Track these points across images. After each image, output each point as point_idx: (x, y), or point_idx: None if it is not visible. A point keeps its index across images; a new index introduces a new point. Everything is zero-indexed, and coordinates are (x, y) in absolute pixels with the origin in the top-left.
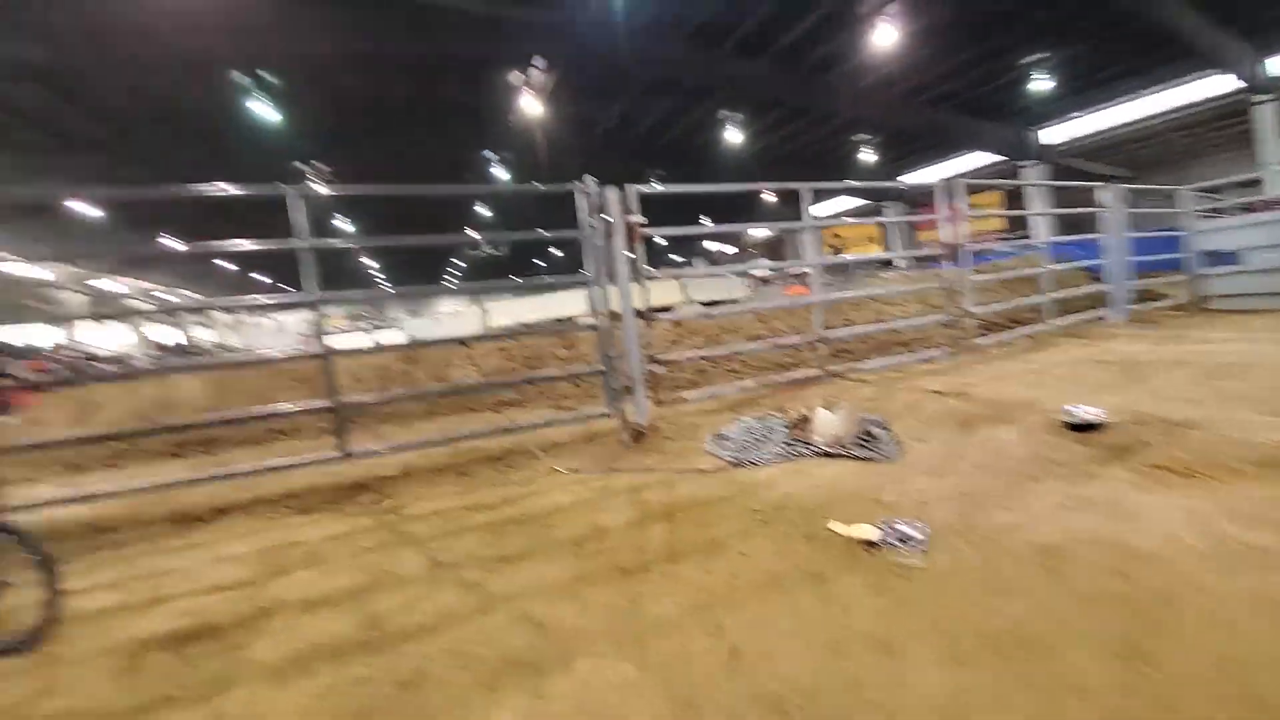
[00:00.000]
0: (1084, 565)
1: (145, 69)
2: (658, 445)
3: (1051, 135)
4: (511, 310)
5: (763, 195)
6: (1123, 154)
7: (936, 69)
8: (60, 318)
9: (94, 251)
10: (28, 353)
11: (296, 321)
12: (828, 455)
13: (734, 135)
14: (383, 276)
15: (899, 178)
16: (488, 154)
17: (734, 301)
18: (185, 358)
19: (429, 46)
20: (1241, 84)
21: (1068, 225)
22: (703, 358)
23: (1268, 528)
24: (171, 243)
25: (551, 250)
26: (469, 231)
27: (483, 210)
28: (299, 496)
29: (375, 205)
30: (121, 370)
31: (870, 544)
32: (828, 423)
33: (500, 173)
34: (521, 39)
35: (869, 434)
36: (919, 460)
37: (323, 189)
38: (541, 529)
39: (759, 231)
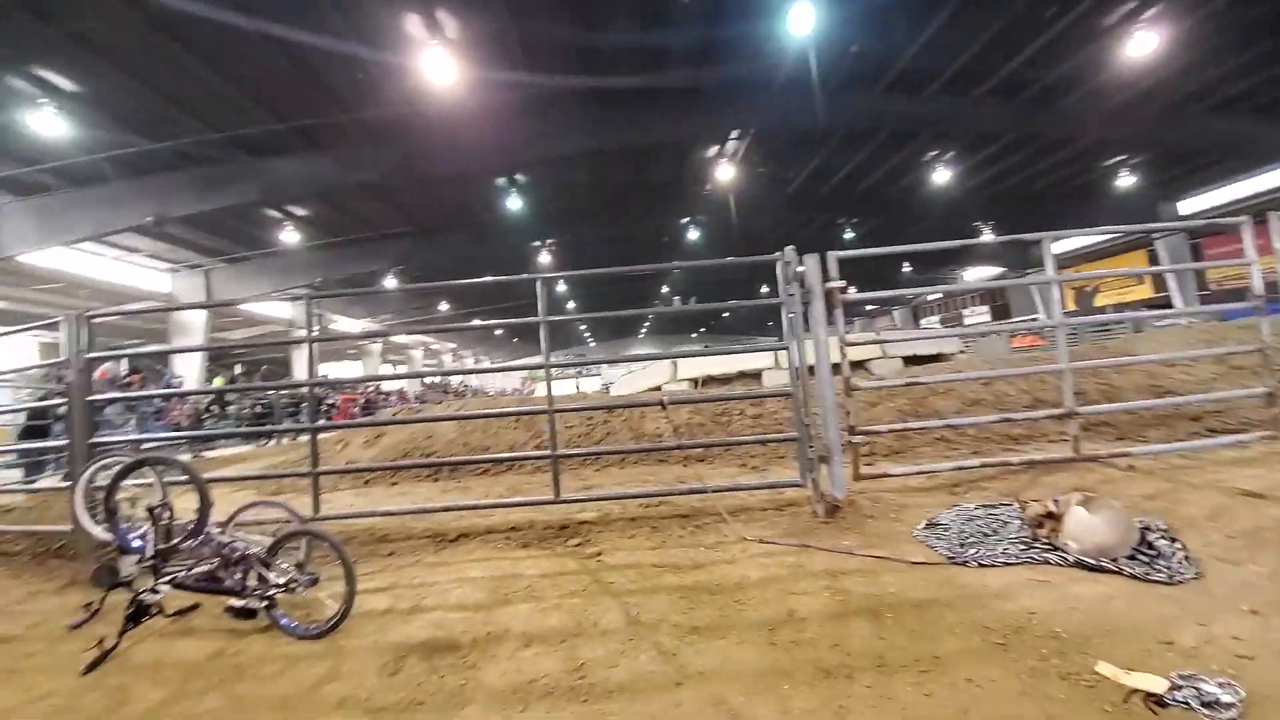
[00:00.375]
0: None
1: (438, 181)
2: (856, 523)
3: None
4: (698, 363)
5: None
6: None
7: (1219, 69)
8: (365, 360)
9: (393, 315)
10: (343, 386)
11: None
12: (1086, 567)
13: (941, 175)
14: (588, 330)
15: (1176, 203)
16: (685, 221)
17: (942, 358)
18: (442, 395)
19: (641, 134)
20: None
21: None
22: (909, 429)
23: None
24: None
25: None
26: (676, 301)
27: (681, 266)
28: (519, 530)
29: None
30: (400, 406)
31: (1157, 700)
32: (1087, 524)
33: (695, 235)
34: (721, 115)
35: (1148, 545)
36: (1229, 590)
37: (559, 275)
38: (733, 604)
39: (975, 273)
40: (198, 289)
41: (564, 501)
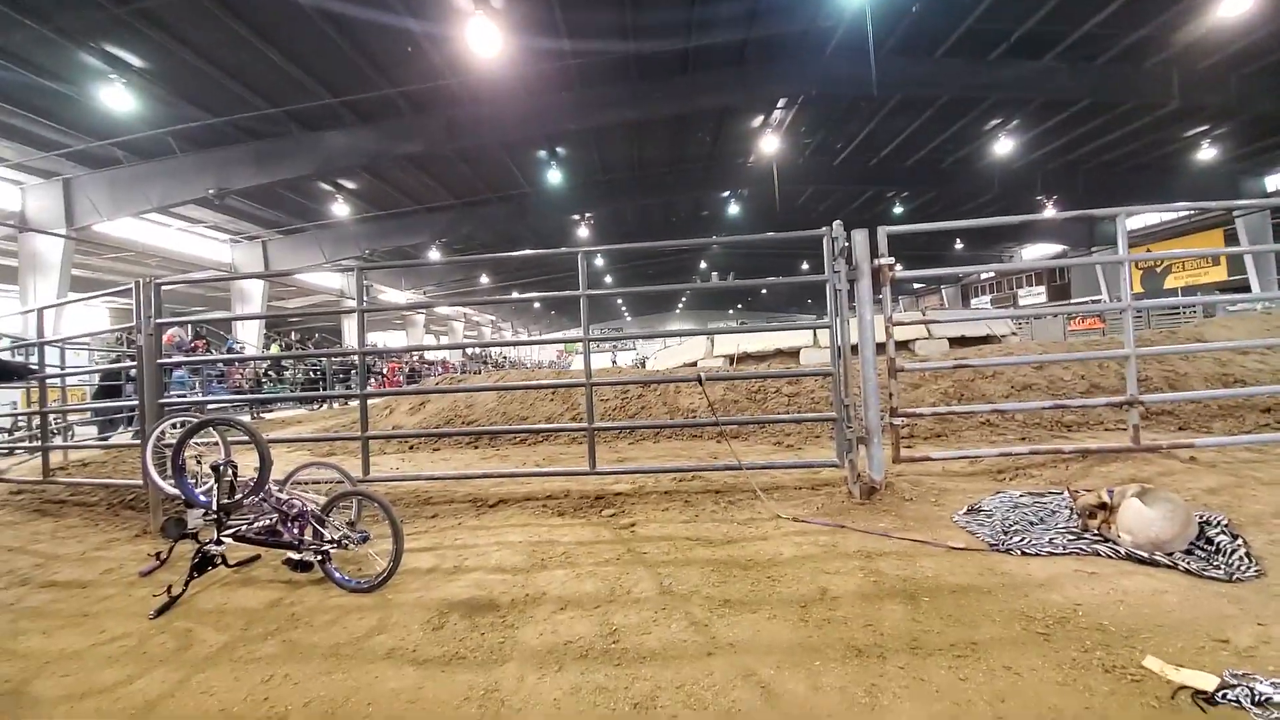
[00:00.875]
0: None
1: (479, 154)
2: (893, 506)
3: None
4: (735, 340)
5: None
6: None
7: None
8: (409, 330)
9: (435, 287)
10: (390, 355)
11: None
12: (1138, 560)
13: (1002, 146)
14: (624, 305)
15: (1263, 178)
16: (725, 195)
17: (992, 340)
18: (481, 366)
19: (683, 104)
20: None
21: None
22: (954, 413)
23: None
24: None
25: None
26: (714, 277)
27: (722, 242)
28: (556, 499)
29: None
30: (443, 375)
31: (1206, 698)
32: (1143, 517)
33: (735, 209)
34: (766, 83)
35: (1208, 540)
36: None
37: (599, 249)
38: (766, 579)
39: (1032, 251)
40: (256, 259)
41: (599, 473)
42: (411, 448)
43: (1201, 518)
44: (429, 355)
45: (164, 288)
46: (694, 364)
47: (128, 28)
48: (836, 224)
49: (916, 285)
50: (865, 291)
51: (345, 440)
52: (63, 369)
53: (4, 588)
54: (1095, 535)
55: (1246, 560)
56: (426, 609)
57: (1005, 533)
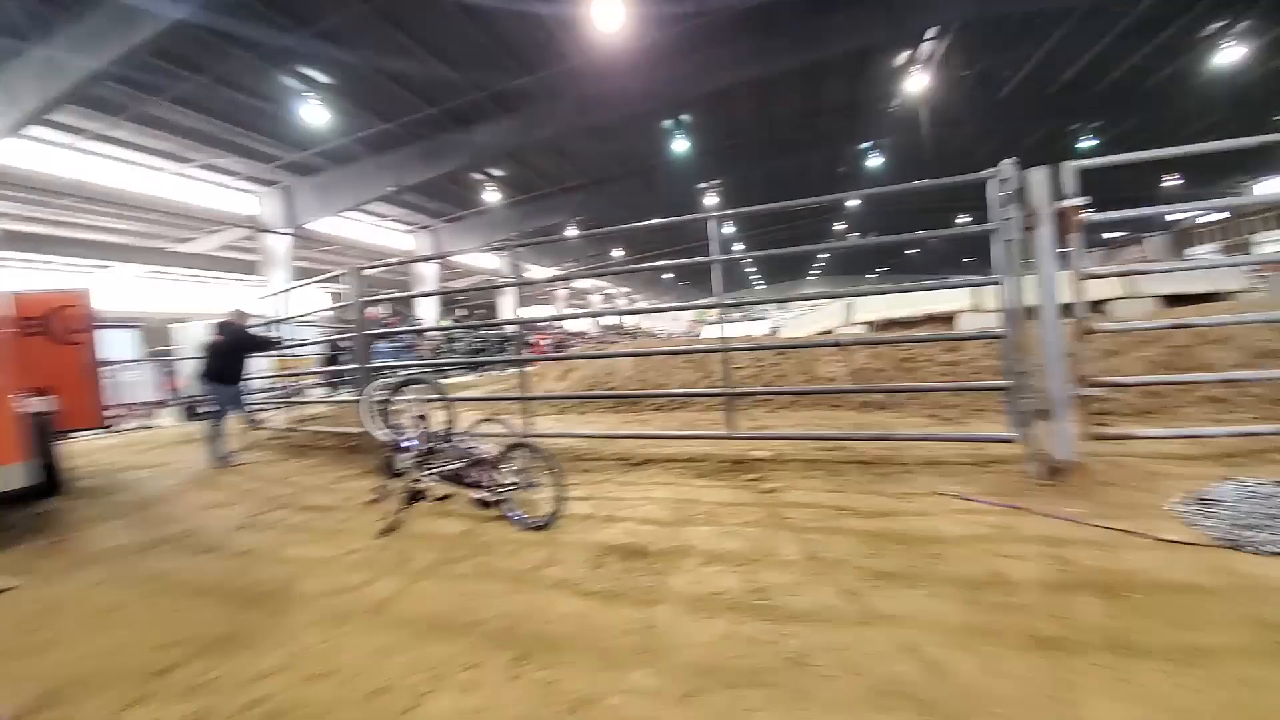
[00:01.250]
0: None
1: (608, 131)
2: (1085, 489)
3: None
4: (877, 304)
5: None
6: None
7: None
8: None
9: (573, 262)
10: (538, 327)
11: (689, 312)
12: None
13: (1228, 56)
14: (755, 272)
15: None
16: (865, 146)
17: (1218, 297)
18: (622, 337)
19: (814, 49)
20: None
21: None
22: (1166, 383)
23: None
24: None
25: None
26: (852, 238)
27: (856, 203)
28: (696, 462)
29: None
30: (586, 346)
31: None
32: None
33: (877, 161)
34: (911, 11)
35: None
36: None
37: (727, 214)
38: (925, 557)
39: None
40: (428, 246)
41: (738, 438)
42: (562, 411)
43: None
44: (570, 327)
45: (367, 273)
46: (828, 333)
47: (313, 49)
48: (1007, 163)
49: (1109, 236)
50: (1046, 240)
51: (510, 400)
52: (297, 342)
53: (274, 509)
54: None
55: None
56: (587, 549)
57: (1240, 527)
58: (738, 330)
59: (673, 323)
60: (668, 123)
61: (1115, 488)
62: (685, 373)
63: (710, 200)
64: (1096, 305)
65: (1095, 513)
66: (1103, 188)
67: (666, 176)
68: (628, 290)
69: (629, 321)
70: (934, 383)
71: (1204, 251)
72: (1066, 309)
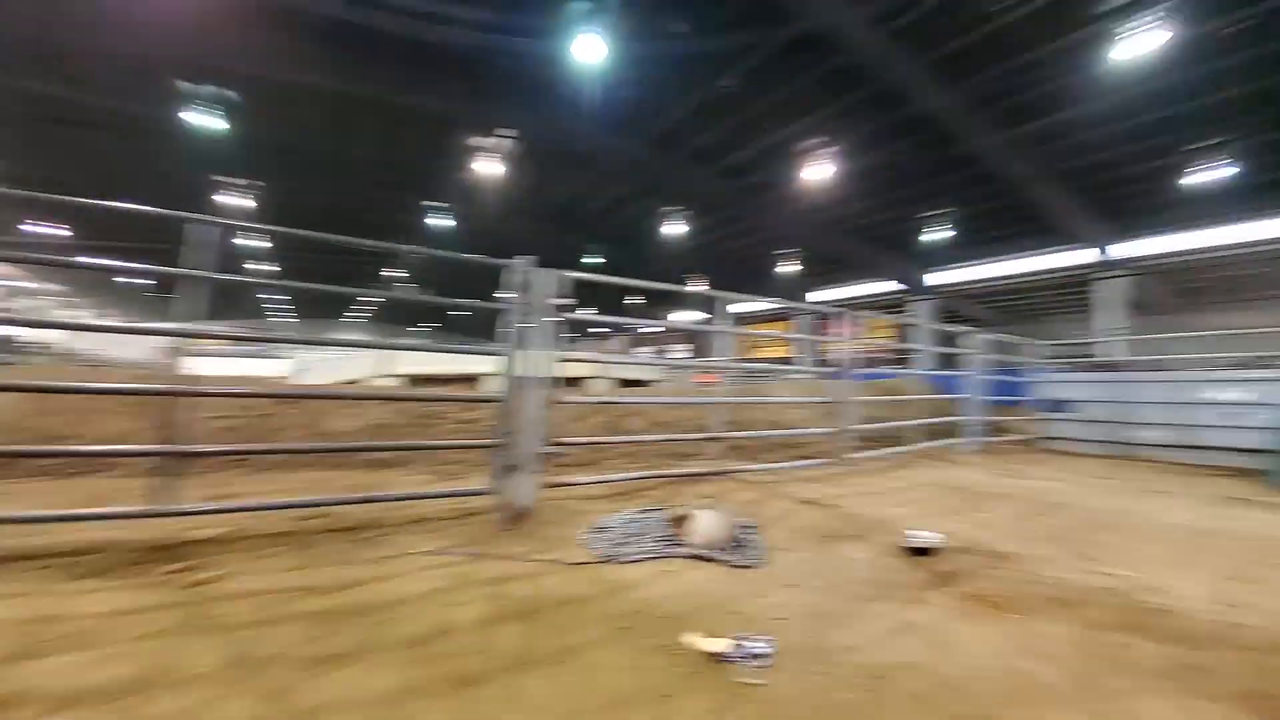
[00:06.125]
0: (901, 693)
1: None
2: (536, 530)
3: (940, 277)
4: (410, 359)
5: (690, 285)
6: (997, 302)
7: (858, 205)
8: None
9: None
10: None
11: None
12: (700, 558)
13: (677, 229)
14: (289, 305)
15: (813, 292)
16: (429, 204)
17: (644, 384)
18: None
19: (399, 90)
20: (1091, 260)
21: (943, 357)
22: (600, 442)
23: (1051, 665)
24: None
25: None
26: (422, 287)
27: (410, 251)
28: (89, 554)
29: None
30: None
31: (720, 657)
32: (704, 524)
33: (435, 221)
34: (492, 106)
35: (742, 539)
36: (782, 572)
37: (244, 225)
38: (379, 623)
39: (684, 316)
40: None
41: (175, 514)
42: None
43: (740, 522)
44: None
45: None
46: (354, 383)
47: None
48: (523, 259)
49: (600, 330)
50: (541, 326)
51: None
52: None
53: None
54: (675, 541)
55: (762, 553)
56: None
57: (615, 546)
58: (242, 368)
59: (126, 348)
60: (191, 85)
61: (553, 525)
62: (122, 420)
63: (229, 200)
64: (573, 381)
65: (536, 549)
66: (602, 296)
67: (177, 152)
68: (63, 290)
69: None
70: (440, 439)
71: (645, 352)
72: (549, 381)
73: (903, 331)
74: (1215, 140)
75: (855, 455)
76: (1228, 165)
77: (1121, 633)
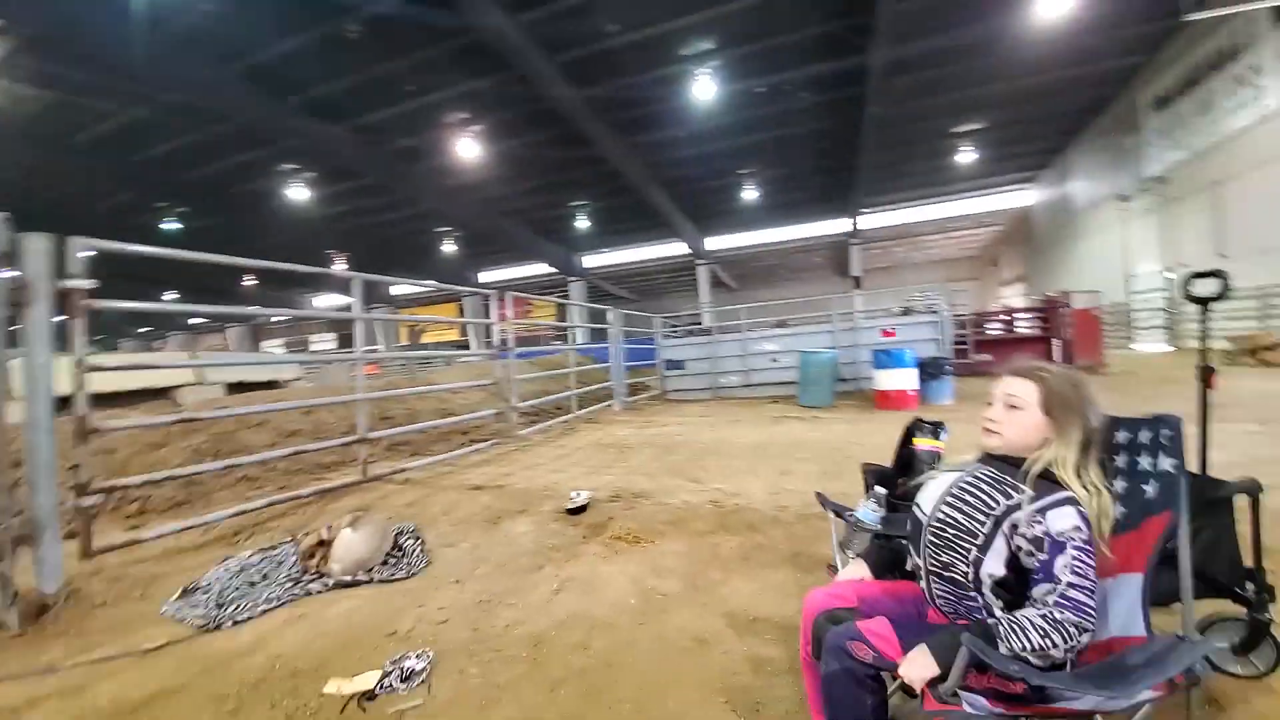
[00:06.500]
0: (560, 648)
1: None
2: (77, 623)
3: (590, 260)
4: None
5: (332, 265)
6: (632, 282)
7: (510, 188)
8: None
9: None
10: None
11: None
12: (345, 585)
13: (299, 194)
14: None
15: (482, 272)
16: None
17: (276, 385)
18: None
19: None
20: (690, 251)
21: (594, 331)
22: (174, 475)
23: (672, 576)
24: None
25: None
26: None
27: None
28: None
29: None
30: None
31: (368, 696)
32: (349, 543)
33: None
34: None
35: (399, 549)
36: (446, 570)
37: None
38: None
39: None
40: None
41: None
42: None
43: (397, 529)
44: None
45: None
46: None
47: None
48: None
49: (196, 322)
50: (39, 321)
51: None
52: None
53: None
54: (313, 574)
55: (422, 555)
56: None
57: (220, 605)
58: None
59: None
60: None
61: (110, 608)
62: None
63: None
64: (165, 391)
65: (81, 649)
66: (188, 276)
67: None
68: None
69: None
70: None
71: (275, 345)
72: (66, 402)
73: (562, 310)
74: (752, 169)
75: (524, 431)
76: (761, 187)
77: (716, 535)
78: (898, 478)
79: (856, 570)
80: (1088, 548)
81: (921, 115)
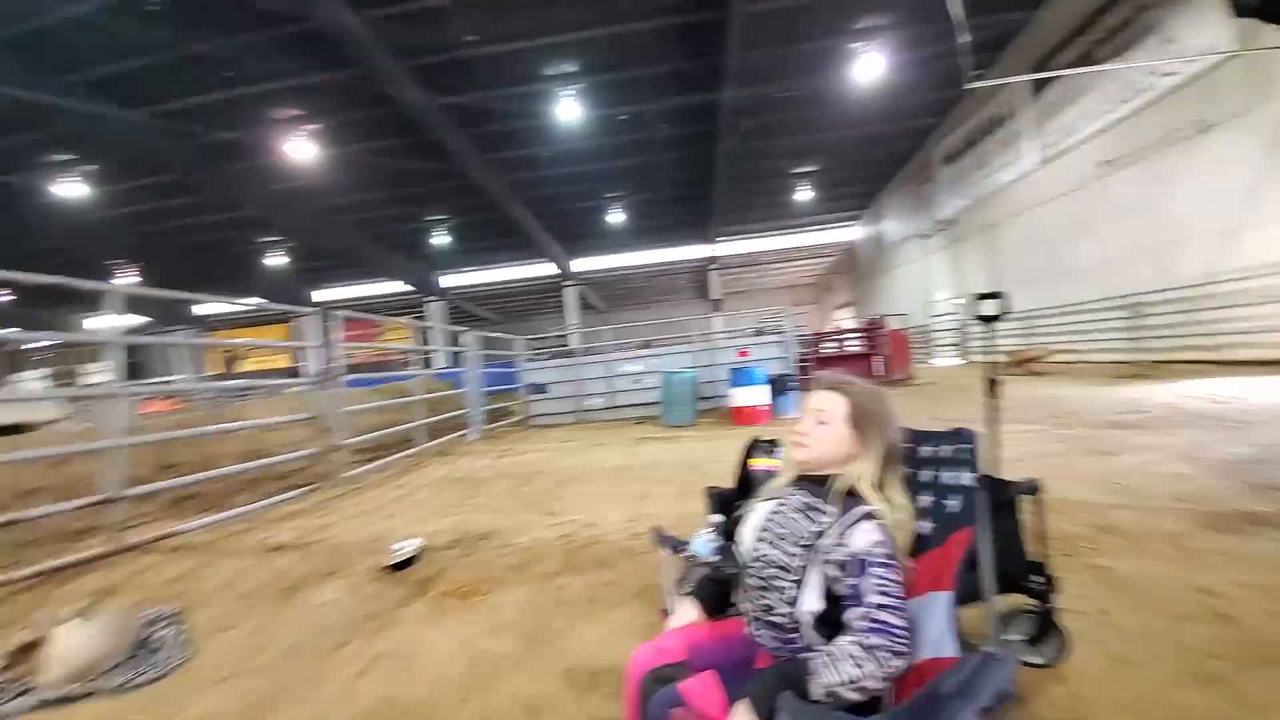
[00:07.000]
0: None
1: None
2: None
3: (451, 280)
4: None
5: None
6: (496, 303)
7: (356, 198)
8: None
9: None
10: None
11: None
12: (66, 701)
13: (74, 190)
14: None
15: (319, 290)
16: None
17: (27, 428)
18: None
19: None
20: (558, 271)
21: (453, 355)
22: None
23: (509, 633)
24: None
25: None
26: None
27: None
28: None
29: None
30: None
31: None
32: (74, 643)
33: None
34: None
35: (149, 642)
36: (214, 662)
37: None
38: None
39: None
40: None
41: None
42: None
43: (150, 617)
44: None
45: None
46: None
47: None
48: None
49: None
50: None
51: None
52: None
53: None
54: (19, 689)
55: (182, 647)
56: None
57: None
58: None
59: None
60: None
61: None
62: None
63: None
64: None
65: None
66: None
67: None
68: None
69: None
70: None
71: (33, 378)
72: None
73: (420, 333)
74: (618, 193)
75: (356, 471)
76: (627, 211)
77: (563, 576)
78: (737, 500)
79: (687, 613)
80: (891, 563)
81: (766, 154)
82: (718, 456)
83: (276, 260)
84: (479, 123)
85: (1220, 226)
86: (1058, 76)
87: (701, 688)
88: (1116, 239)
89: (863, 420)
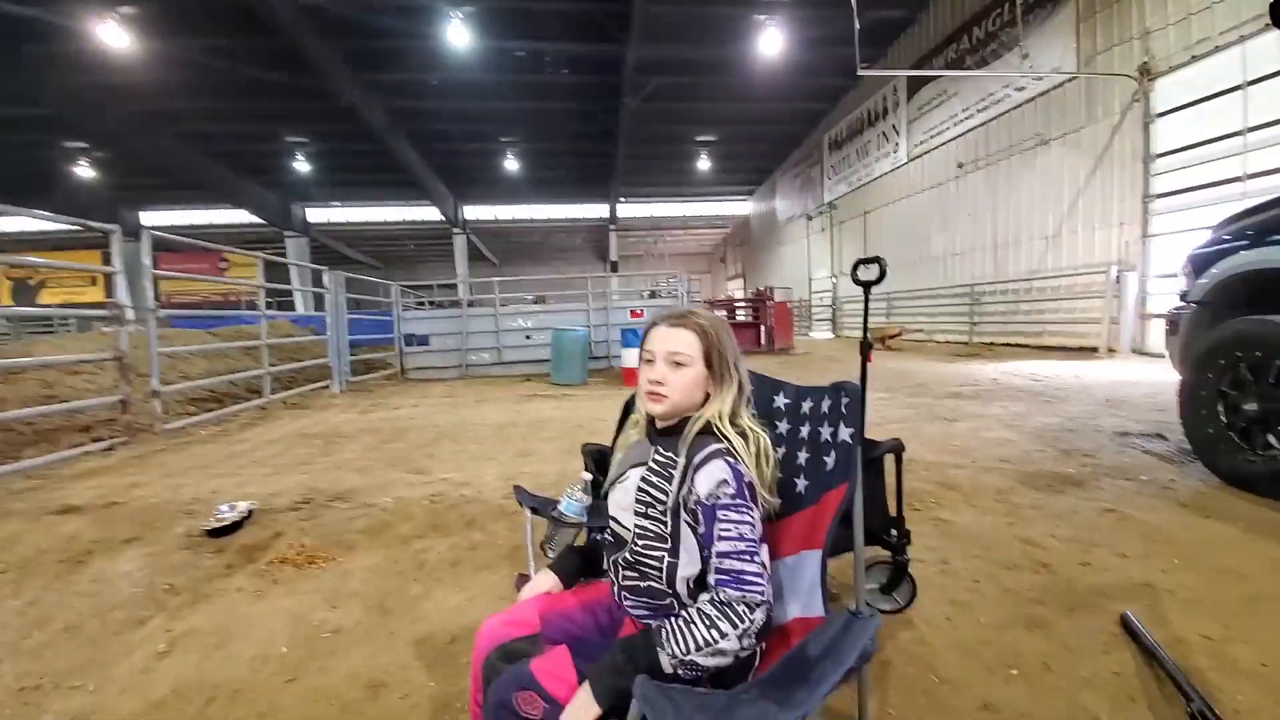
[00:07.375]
0: None
1: None
2: None
3: (319, 214)
4: None
5: None
6: (374, 246)
7: (191, 104)
8: None
9: None
10: None
11: None
12: None
13: None
14: None
15: (144, 212)
16: None
17: None
18: None
19: None
20: (446, 218)
21: (317, 299)
22: None
23: (354, 602)
24: None
25: None
26: None
27: None
28: None
29: None
30: None
31: None
32: None
33: None
34: None
35: None
36: None
37: None
38: None
39: None
40: None
41: None
42: None
43: None
44: None
45: None
46: None
47: None
48: None
49: None
50: None
51: None
52: None
53: None
54: None
55: None
56: None
57: None
58: None
59: None
60: None
61: None
62: None
63: None
64: None
65: None
66: None
67: None
68: None
69: None
70: None
71: None
72: None
73: (274, 272)
74: (514, 139)
75: (181, 424)
76: (523, 159)
77: (425, 538)
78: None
79: (542, 582)
80: (737, 503)
81: (670, 117)
82: (605, 415)
83: (86, 172)
84: (352, 35)
85: (1047, 230)
86: (934, 77)
87: (552, 666)
88: (965, 234)
89: (716, 355)
